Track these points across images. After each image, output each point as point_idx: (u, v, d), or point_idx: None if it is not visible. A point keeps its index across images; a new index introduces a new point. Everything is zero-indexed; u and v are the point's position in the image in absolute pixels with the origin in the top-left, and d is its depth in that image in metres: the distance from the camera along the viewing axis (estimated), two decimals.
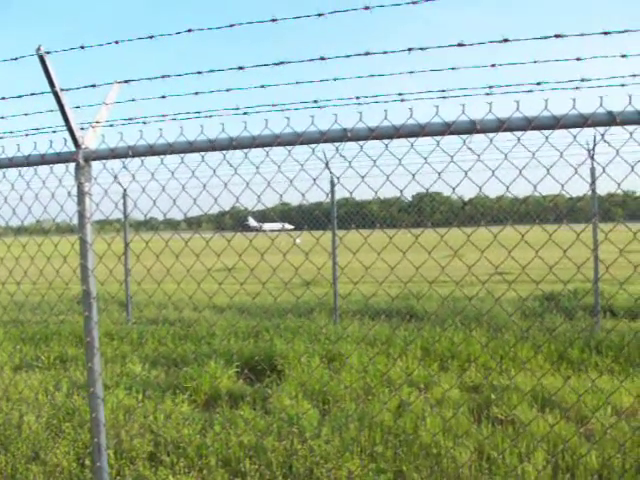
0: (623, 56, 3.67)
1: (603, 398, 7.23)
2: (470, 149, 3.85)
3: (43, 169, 4.91)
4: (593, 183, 11.94)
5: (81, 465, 6.32)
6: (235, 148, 4.17)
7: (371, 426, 6.92)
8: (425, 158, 4.03)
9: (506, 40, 3.43)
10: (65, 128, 4.45)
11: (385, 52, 3.75)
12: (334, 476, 5.91)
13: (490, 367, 9.44)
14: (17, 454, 6.54)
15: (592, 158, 12.33)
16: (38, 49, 4.05)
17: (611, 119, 3.49)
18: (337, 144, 4.06)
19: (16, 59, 4.34)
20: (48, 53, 4.08)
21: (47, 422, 7.36)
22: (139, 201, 4.94)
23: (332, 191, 14.58)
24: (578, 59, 3.81)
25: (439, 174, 4.02)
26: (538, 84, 4.05)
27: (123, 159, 4.51)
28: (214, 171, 4.47)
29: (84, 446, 6.62)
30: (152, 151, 4.35)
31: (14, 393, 8.57)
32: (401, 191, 4.22)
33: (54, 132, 4.87)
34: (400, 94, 4.22)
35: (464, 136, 3.80)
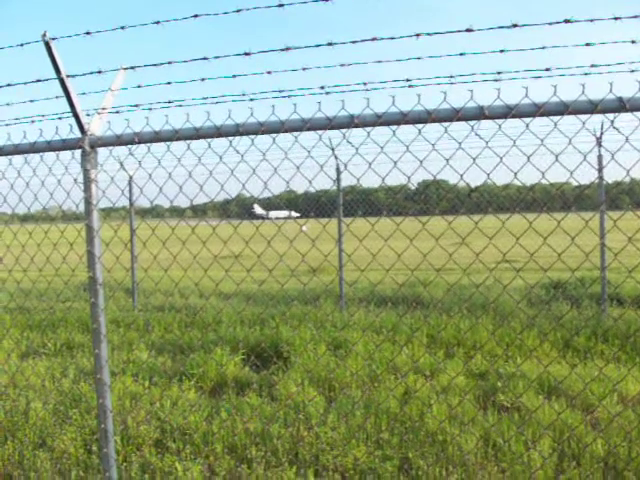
0: (633, 42, 3.64)
1: (609, 386, 7.21)
2: (478, 135, 3.82)
3: (49, 156, 4.91)
4: (601, 170, 11.89)
5: (88, 451, 6.35)
6: (241, 134, 4.16)
7: (377, 413, 6.92)
8: (433, 144, 4.01)
9: (515, 25, 3.40)
10: (71, 115, 4.44)
11: (392, 38, 3.72)
12: (340, 463, 5.92)
13: (496, 354, 9.43)
14: (24, 441, 6.57)
15: (600, 145, 12.25)
16: (44, 35, 4.03)
17: (621, 105, 3.46)
18: (344, 130, 4.04)
19: (22, 45, 4.32)
20: (54, 39, 4.06)
21: (54, 409, 7.39)
22: (145, 188, 4.94)
23: (338, 178, 14.55)
24: (587, 45, 3.77)
25: (447, 160, 4.00)
26: (547, 70, 4.02)
27: (129, 146, 4.50)
28: (220, 158, 4.47)
29: (91, 432, 6.65)
30: (158, 137, 4.34)
31: (21, 380, 8.61)
32: (409, 177, 4.20)
33: (60, 119, 4.86)
34: (408, 80, 4.19)
35: (472, 122, 3.77)
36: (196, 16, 3.75)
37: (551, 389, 7.67)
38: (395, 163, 4.15)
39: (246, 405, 7.37)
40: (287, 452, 6.22)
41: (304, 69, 4.18)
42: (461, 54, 3.77)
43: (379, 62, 4.13)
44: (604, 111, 3.52)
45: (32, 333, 12.10)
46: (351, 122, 3.92)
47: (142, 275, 16.50)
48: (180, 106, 4.63)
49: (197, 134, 4.25)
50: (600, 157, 12.38)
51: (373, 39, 3.65)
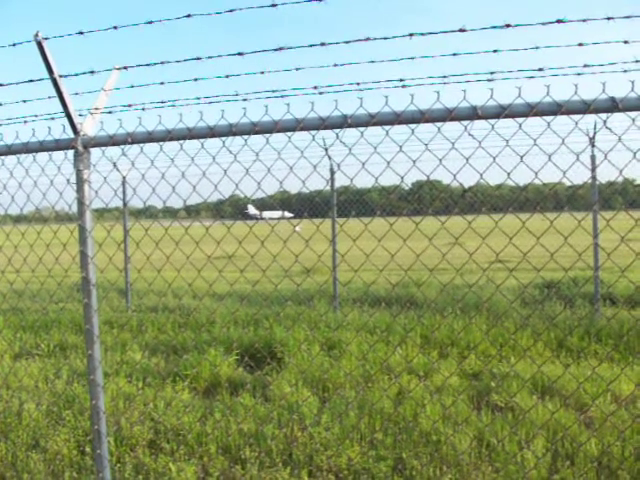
0: (625, 42, 3.65)
1: (603, 386, 7.23)
2: (471, 135, 3.82)
3: (42, 156, 4.89)
4: (594, 170, 11.91)
5: (81, 452, 6.34)
6: (235, 135, 4.15)
7: (371, 413, 6.93)
8: (426, 145, 4.01)
9: (508, 25, 3.40)
10: (64, 115, 4.43)
11: (386, 38, 3.72)
12: (334, 463, 5.92)
13: (490, 354, 9.45)
14: (17, 442, 6.56)
15: (593, 145, 12.29)
16: (36, 35, 4.02)
17: (613, 105, 3.46)
18: (337, 130, 4.04)
19: (14, 45, 4.31)
20: (46, 39, 4.05)
21: (47, 410, 7.37)
22: (138, 188, 4.93)
23: (332, 178, 14.56)
24: (580, 45, 3.77)
25: (440, 160, 4.00)
26: (540, 70, 4.03)
27: (122, 146, 4.48)
28: (214, 158, 4.45)
29: (84, 433, 6.64)
30: (151, 138, 4.32)
31: (14, 381, 8.58)
32: (402, 177, 4.20)
33: (52, 119, 4.84)
34: (401, 80, 4.19)
35: (465, 122, 3.77)
36: (189, 16, 3.74)
37: (545, 389, 7.69)
38: (388, 163, 4.15)
39: (240, 406, 7.36)
40: (281, 452, 6.21)
41: (297, 69, 4.18)
42: (454, 54, 3.77)
43: (372, 62, 4.13)
44: (597, 111, 3.53)
45: (25, 334, 12.06)
46: (344, 122, 3.91)
47: (135, 276, 16.48)
48: (173, 106, 4.62)
49: (190, 134, 4.24)
50: (593, 157, 12.43)
51: (366, 39, 3.65)
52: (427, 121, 3.78)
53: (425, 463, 5.82)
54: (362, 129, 3.98)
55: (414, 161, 4.10)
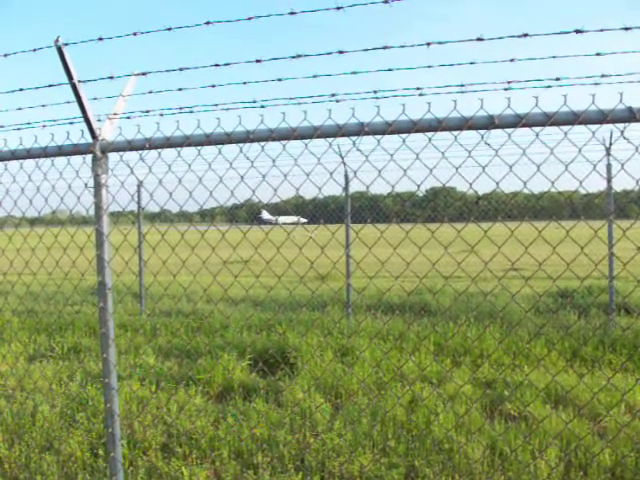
0: None
1: (617, 396, 7.19)
2: (488, 144, 3.82)
3: (60, 160, 4.93)
4: (610, 180, 11.86)
5: (95, 455, 6.36)
6: (252, 141, 4.17)
7: (384, 421, 6.92)
8: (442, 153, 4.01)
9: (526, 35, 3.40)
10: (82, 120, 4.46)
11: (403, 46, 3.72)
12: (346, 470, 5.92)
13: (504, 363, 9.41)
14: (31, 444, 6.59)
15: (609, 155, 12.25)
16: (56, 40, 4.06)
17: (631, 115, 3.46)
18: (354, 138, 4.05)
19: (35, 50, 4.35)
20: (66, 45, 4.09)
21: (61, 412, 7.41)
22: (154, 193, 4.95)
23: (346, 185, 14.58)
24: (598, 54, 3.77)
25: (457, 169, 4.00)
26: (557, 79, 4.02)
27: (140, 151, 4.51)
28: (231, 164, 4.47)
29: (98, 436, 6.67)
30: (169, 143, 4.35)
31: (29, 383, 8.64)
32: (418, 186, 4.20)
33: (71, 124, 4.88)
34: (418, 88, 4.20)
35: (482, 131, 3.78)
36: (208, 23, 3.76)
37: (558, 398, 7.65)
38: (405, 171, 4.16)
39: (253, 411, 7.37)
40: (293, 458, 6.22)
41: (315, 76, 4.19)
42: (472, 63, 3.78)
43: (390, 70, 4.14)
44: (614, 121, 3.52)
45: (40, 336, 12.14)
46: (361, 130, 3.92)
47: (150, 280, 16.54)
48: (191, 112, 4.64)
49: (208, 140, 4.26)
50: (609, 166, 12.38)
51: (384, 47, 3.65)
52: (444, 129, 3.78)
53: (438, 471, 5.80)
54: (379, 137, 3.99)
55: (431, 170, 4.10)
